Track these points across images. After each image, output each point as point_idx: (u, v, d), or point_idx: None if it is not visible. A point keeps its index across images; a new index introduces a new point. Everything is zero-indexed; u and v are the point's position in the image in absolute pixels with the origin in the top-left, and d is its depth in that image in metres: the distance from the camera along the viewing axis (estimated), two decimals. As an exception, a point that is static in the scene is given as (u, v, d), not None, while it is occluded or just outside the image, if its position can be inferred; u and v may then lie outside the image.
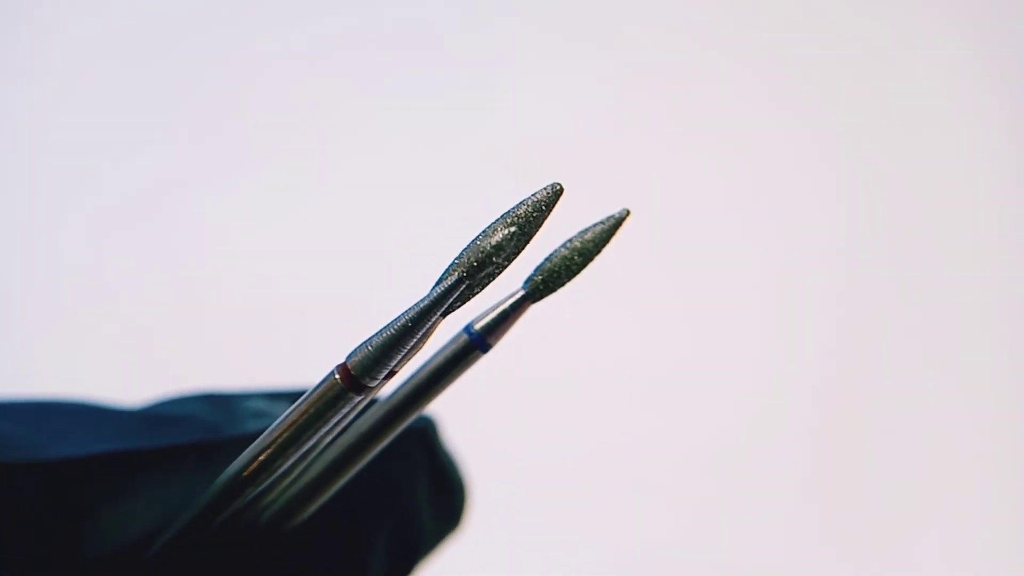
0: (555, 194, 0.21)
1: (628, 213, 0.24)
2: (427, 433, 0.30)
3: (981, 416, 0.69)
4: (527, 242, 0.21)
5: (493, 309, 0.24)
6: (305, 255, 0.68)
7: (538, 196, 0.21)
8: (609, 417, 0.67)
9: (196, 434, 0.27)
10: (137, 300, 0.67)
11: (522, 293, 0.24)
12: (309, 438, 0.23)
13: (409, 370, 0.24)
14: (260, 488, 0.24)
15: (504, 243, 0.21)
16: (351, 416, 0.22)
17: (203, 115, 0.69)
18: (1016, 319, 0.70)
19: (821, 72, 0.71)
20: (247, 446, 0.26)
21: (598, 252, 0.24)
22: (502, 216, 0.22)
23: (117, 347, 0.66)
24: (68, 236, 0.68)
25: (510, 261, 0.21)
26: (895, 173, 0.71)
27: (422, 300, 0.21)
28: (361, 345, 0.22)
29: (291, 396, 0.29)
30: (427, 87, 0.70)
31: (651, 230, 0.67)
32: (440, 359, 0.24)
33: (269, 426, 0.27)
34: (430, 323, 0.21)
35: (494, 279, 0.21)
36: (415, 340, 0.21)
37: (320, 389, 0.22)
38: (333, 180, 0.69)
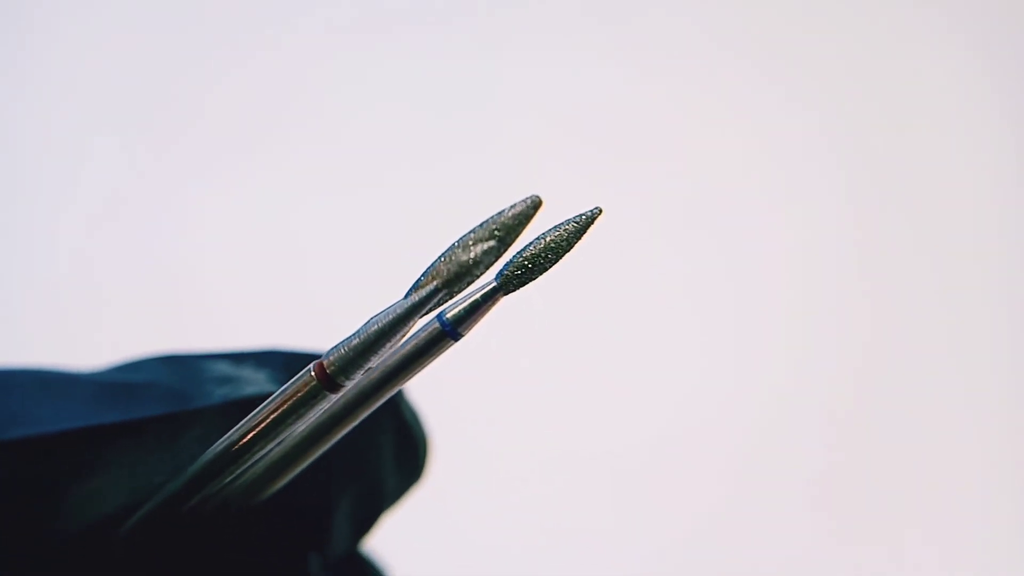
0: (534, 206, 0.22)
1: (600, 211, 0.24)
2: (394, 397, 0.30)
3: (991, 418, 0.69)
4: (504, 252, 0.22)
5: (465, 299, 0.25)
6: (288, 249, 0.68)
7: (517, 208, 0.22)
8: (610, 418, 0.68)
9: (162, 405, 0.27)
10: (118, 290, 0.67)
11: (494, 285, 0.24)
12: (281, 432, 0.24)
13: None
14: (230, 478, 0.25)
15: (483, 257, 0.21)
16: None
17: (190, 110, 0.69)
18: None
19: (829, 69, 0.70)
20: (215, 417, 0.26)
21: (569, 248, 0.24)
22: (481, 226, 0.22)
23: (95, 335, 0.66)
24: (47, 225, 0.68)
25: (487, 270, 0.22)
26: (907, 174, 0.70)
27: (398, 305, 0.22)
28: (337, 346, 0.22)
29: (255, 356, 0.29)
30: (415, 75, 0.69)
31: (651, 227, 0.67)
32: (411, 346, 0.25)
33: (237, 393, 0.27)
34: (405, 328, 0.22)
35: (469, 285, 0.22)
36: (390, 343, 0.22)
37: (295, 386, 0.23)
38: (313, 174, 0.69)
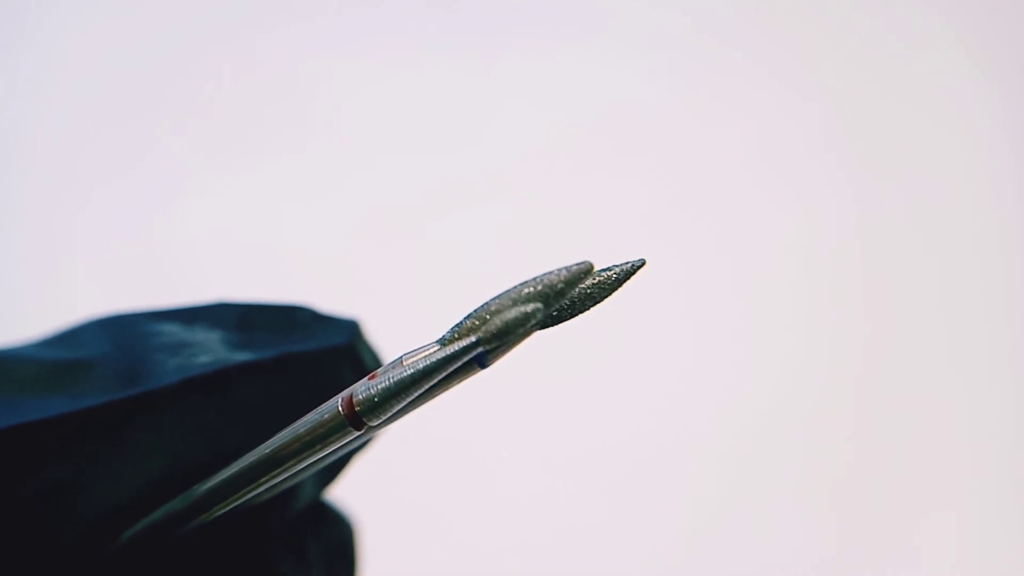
0: (585, 272, 0.22)
1: (644, 263, 0.24)
2: (353, 348, 0.29)
3: (989, 420, 0.69)
4: (548, 314, 0.22)
5: None
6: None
7: (569, 273, 0.22)
8: (605, 419, 0.66)
9: (110, 387, 0.25)
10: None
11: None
12: (301, 462, 0.23)
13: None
14: (236, 504, 0.24)
15: (527, 318, 0.21)
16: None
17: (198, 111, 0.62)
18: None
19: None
20: (170, 397, 0.25)
21: (609, 295, 0.25)
22: (527, 284, 0.22)
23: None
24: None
25: (528, 333, 0.22)
26: (902, 177, 0.69)
27: (433, 353, 0.22)
28: (367, 385, 0.22)
29: (206, 313, 0.28)
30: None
31: (645, 228, 0.65)
32: None
33: (191, 367, 0.26)
34: (438, 377, 0.22)
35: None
36: (420, 390, 0.22)
37: (321, 418, 0.22)
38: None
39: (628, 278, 0.24)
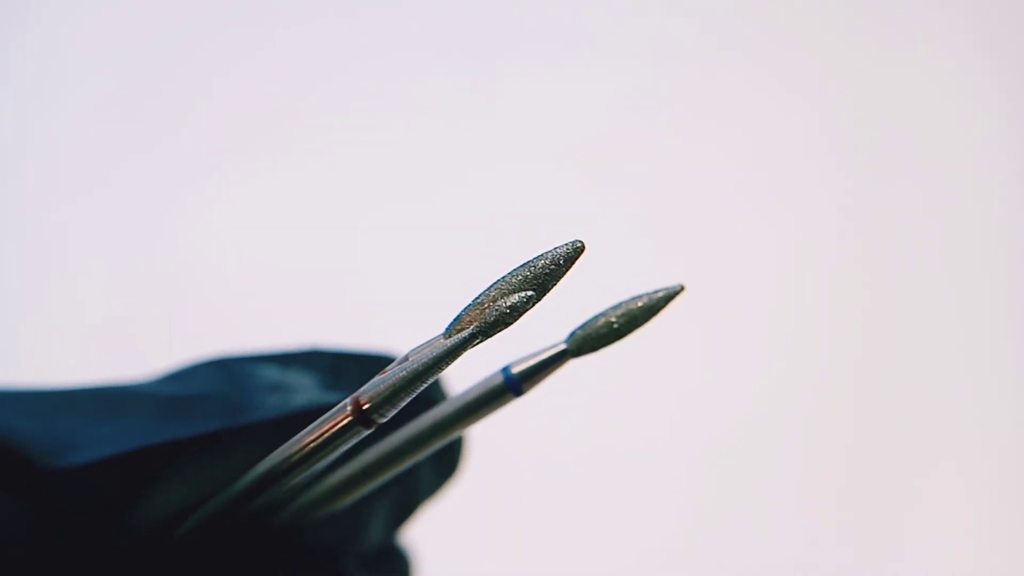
0: (576, 251, 0.21)
1: (682, 288, 0.23)
2: (432, 395, 0.30)
3: (982, 420, 0.67)
4: (541, 299, 0.21)
5: (533, 356, 0.24)
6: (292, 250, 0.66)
7: (558, 252, 0.21)
8: (608, 414, 0.66)
9: (218, 419, 0.27)
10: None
11: (563, 347, 0.24)
12: (317, 462, 0.24)
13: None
14: (273, 496, 0.25)
15: (520, 305, 0.21)
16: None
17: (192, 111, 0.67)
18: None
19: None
20: (267, 430, 0.27)
21: (645, 321, 0.23)
22: (519, 269, 0.22)
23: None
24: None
25: (522, 316, 0.21)
26: (899, 178, 0.68)
27: (437, 346, 0.21)
28: (374, 383, 0.22)
29: (302, 359, 0.30)
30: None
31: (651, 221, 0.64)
32: (474, 395, 0.24)
33: (287, 406, 0.28)
34: (442, 369, 0.22)
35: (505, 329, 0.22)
36: (425, 384, 0.22)
37: (331, 420, 0.23)
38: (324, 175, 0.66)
39: (666, 303, 0.23)
